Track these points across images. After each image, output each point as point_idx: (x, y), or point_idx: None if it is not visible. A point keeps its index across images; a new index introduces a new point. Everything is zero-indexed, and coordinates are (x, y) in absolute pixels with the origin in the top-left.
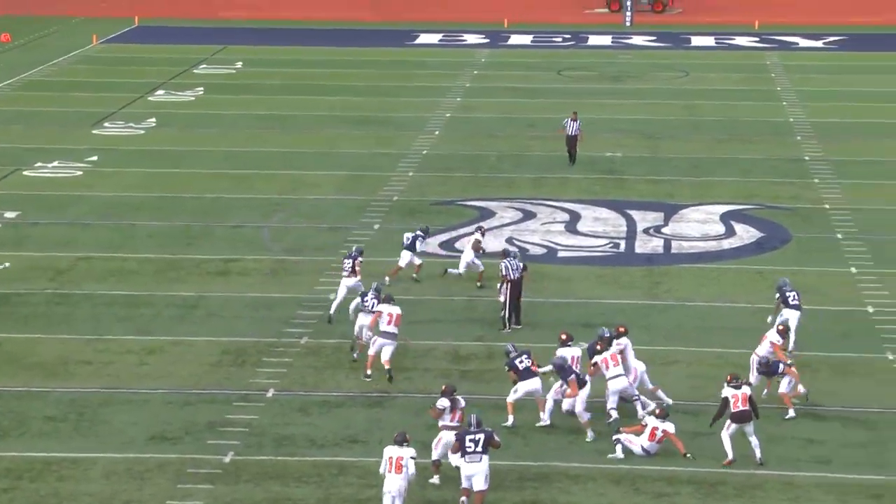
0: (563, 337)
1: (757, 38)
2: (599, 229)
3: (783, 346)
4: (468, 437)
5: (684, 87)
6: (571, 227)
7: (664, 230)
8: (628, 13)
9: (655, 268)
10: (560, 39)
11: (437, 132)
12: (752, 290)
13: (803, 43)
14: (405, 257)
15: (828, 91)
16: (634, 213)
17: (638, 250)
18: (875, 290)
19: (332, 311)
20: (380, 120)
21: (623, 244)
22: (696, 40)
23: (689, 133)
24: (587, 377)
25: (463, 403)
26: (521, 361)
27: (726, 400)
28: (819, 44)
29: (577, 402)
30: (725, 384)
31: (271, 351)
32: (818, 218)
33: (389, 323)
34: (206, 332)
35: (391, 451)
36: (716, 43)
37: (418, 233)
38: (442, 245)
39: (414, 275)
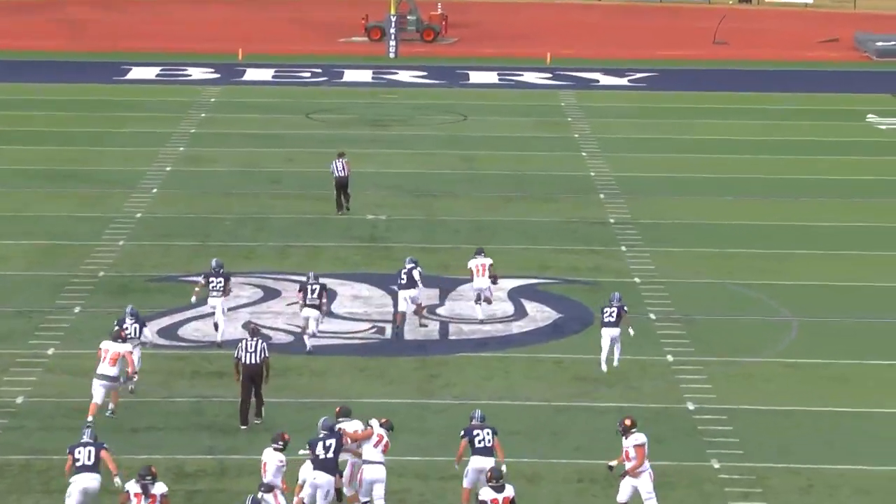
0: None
1: (549, 75)
2: (360, 310)
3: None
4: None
5: (462, 133)
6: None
7: (440, 311)
8: (392, 43)
9: (430, 357)
10: (309, 75)
11: (154, 189)
12: (550, 383)
13: (605, 80)
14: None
15: (635, 139)
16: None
17: (408, 336)
18: (696, 383)
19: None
20: (82, 175)
21: (389, 329)
22: (476, 76)
23: (469, 190)
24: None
25: (164, 490)
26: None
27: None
28: (623, 81)
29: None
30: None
31: None
32: (626, 294)
33: (105, 360)
34: None
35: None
36: (500, 80)
37: (409, 265)
38: (162, 332)
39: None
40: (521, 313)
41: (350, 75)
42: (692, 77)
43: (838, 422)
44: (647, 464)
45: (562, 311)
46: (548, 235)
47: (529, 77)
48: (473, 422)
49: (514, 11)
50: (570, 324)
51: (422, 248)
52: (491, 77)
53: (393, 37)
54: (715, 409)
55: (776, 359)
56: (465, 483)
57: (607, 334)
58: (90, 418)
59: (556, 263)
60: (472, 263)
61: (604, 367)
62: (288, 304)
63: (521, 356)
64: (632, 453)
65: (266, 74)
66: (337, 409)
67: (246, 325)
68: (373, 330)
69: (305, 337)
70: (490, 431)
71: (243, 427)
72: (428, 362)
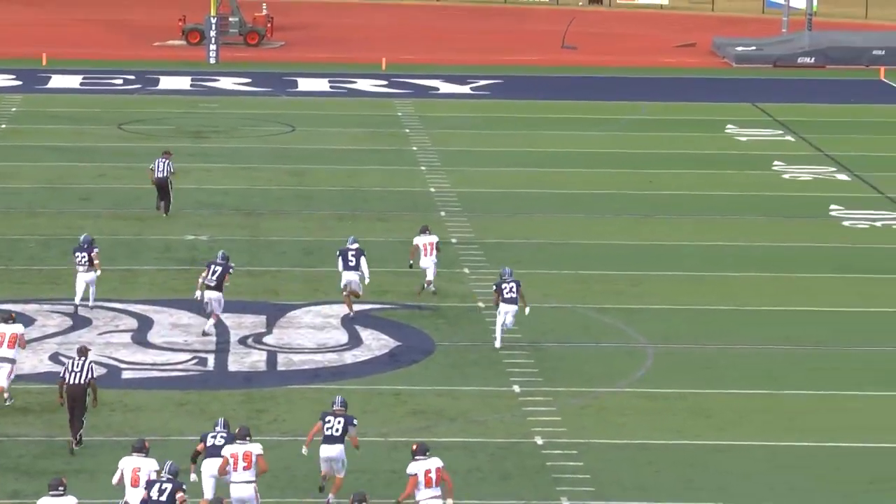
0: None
1: (385, 82)
2: (180, 340)
3: None
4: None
5: (291, 145)
6: (140, 337)
7: (267, 339)
8: (213, 47)
9: (256, 390)
10: (121, 82)
11: None
12: (387, 417)
13: (445, 88)
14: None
15: (478, 152)
16: (227, 318)
17: (232, 367)
18: (545, 415)
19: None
20: None
21: (212, 359)
22: (305, 83)
23: (299, 208)
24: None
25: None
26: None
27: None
28: (465, 89)
29: None
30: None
31: None
32: (470, 320)
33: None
34: None
35: (129, 462)
36: (331, 87)
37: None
38: None
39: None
40: (355, 342)
41: (167, 82)
42: (539, 85)
43: (698, 456)
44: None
45: (400, 340)
46: (384, 257)
47: (363, 84)
48: (335, 407)
49: (347, 13)
50: (408, 353)
51: (247, 271)
52: (321, 84)
53: (213, 40)
54: (565, 444)
55: (631, 389)
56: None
57: (504, 311)
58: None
59: (393, 288)
60: (419, 241)
61: (498, 344)
62: (100, 334)
63: (356, 388)
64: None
65: (73, 81)
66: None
67: (54, 357)
68: (193, 361)
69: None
70: (343, 420)
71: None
72: (254, 396)
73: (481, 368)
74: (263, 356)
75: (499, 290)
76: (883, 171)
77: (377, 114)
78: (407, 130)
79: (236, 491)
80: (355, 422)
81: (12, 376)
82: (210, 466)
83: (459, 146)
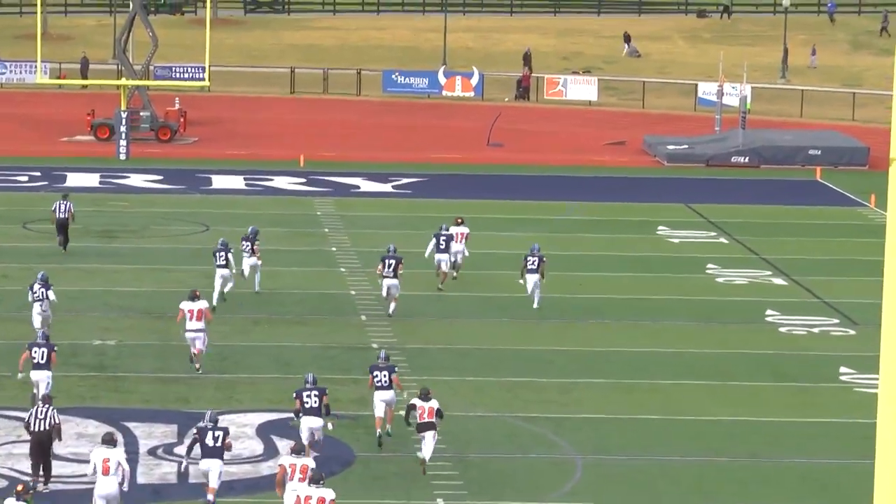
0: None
1: (303, 180)
2: (85, 450)
3: None
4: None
5: (205, 245)
6: None
7: (178, 450)
8: (122, 142)
9: None
10: (26, 179)
11: None
12: None
13: (366, 186)
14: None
15: (400, 253)
16: (136, 427)
17: (141, 479)
18: None
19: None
20: None
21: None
22: (220, 181)
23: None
24: None
25: None
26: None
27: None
28: (387, 187)
29: None
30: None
31: None
32: (393, 429)
33: None
34: None
35: (100, 454)
36: (247, 185)
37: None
38: None
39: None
40: (271, 452)
41: (74, 179)
42: (464, 183)
43: None
44: None
45: (318, 450)
46: (302, 362)
47: (280, 182)
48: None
49: (263, 108)
50: (327, 464)
51: (157, 377)
52: (237, 182)
53: (123, 135)
54: None
55: (560, 502)
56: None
57: (531, 280)
58: None
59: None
60: (453, 230)
61: (535, 305)
62: (1, 445)
63: (272, 502)
64: None
65: None
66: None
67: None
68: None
69: None
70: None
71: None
72: None
73: (404, 480)
74: (173, 468)
75: (525, 261)
76: (820, 275)
77: (295, 213)
78: (326, 230)
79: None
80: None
81: (206, 343)
82: None
83: (381, 247)
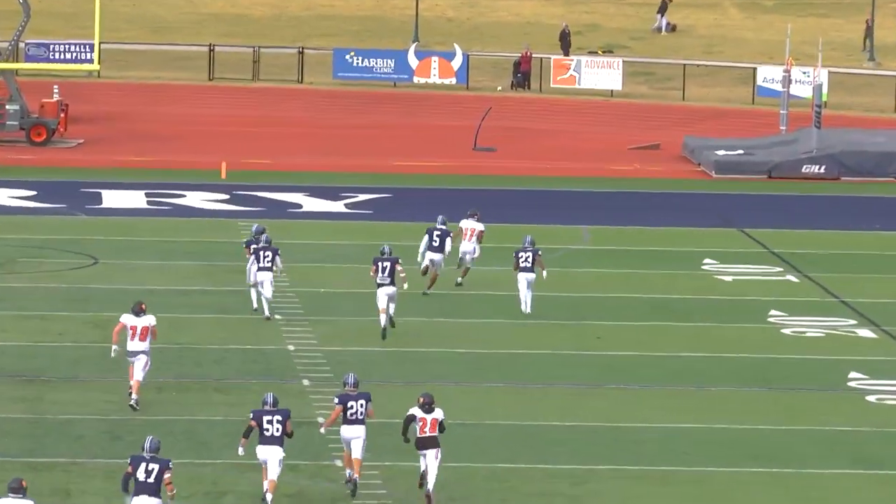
0: None
1: (225, 196)
2: None
3: None
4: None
5: (93, 285)
6: None
7: None
8: None
9: None
10: None
11: None
12: None
13: (310, 205)
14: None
15: (357, 295)
16: None
17: None
18: None
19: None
20: None
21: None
22: (113, 198)
23: (103, 373)
24: None
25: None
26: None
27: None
28: (338, 206)
29: None
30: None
31: None
32: None
33: None
34: None
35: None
36: (149, 203)
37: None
38: None
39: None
40: None
41: None
42: (442, 200)
43: None
44: None
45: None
46: (222, 443)
47: (194, 199)
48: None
49: (172, 99)
50: None
51: (27, 463)
52: (135, 199)
53: None
54: None
55: None
56: None
57: (523, 278)
58: None
59: (233, 488)
60: (463, 224)
61: (524, 308)
62: None
63: None
64: None
65: None
66: None
67: None
68: None
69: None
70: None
71: None
72: None
73: None
74: None
75: (516, 257)
76: None
77: (214, 240)
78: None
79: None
80: None
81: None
82: None
83: (329, 286)
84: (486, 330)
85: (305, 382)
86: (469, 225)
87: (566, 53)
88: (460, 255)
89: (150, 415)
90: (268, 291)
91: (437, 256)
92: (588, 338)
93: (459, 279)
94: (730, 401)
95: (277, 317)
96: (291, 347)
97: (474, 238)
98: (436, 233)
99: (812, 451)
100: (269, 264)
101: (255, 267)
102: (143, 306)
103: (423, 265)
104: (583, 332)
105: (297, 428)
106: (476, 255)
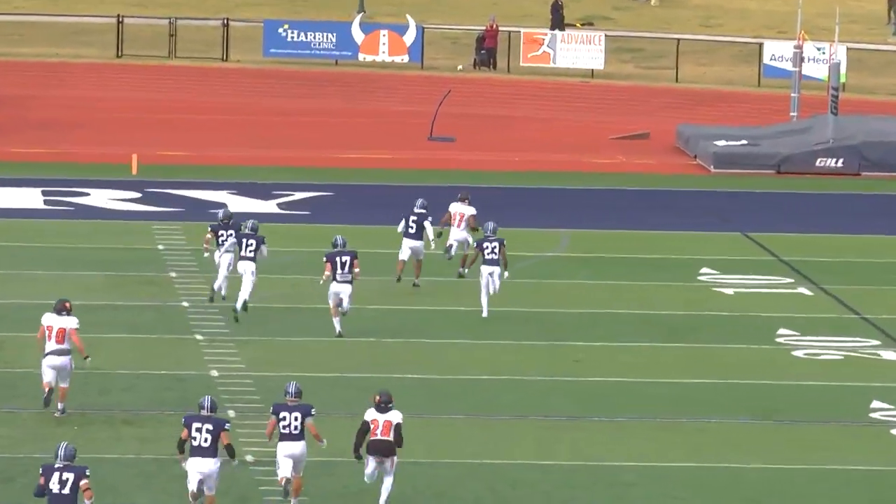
0: None
1: (137, 194)
2: None
3: None
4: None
5: None
6: None
7: None
8: None
9: None
10: None
11: None
12: None
13: (237, 204)
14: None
15: (291, 311)
16: None
17: None
18: None
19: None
20: None
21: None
22: (3, 196)
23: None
24: None
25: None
26: None
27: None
28: (270, 206)
29: None
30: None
31: None
32: None
33: None
34: None
35: None
36: (46, 203)
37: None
38: None
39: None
40: None
41: None
42: (393, 199)
43: None
44: None
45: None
46: (133, 486)
47: (99, 198)
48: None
49: (73, 81)
50: None
51: None
52: (30, 198)
53: None
54: None
55: None
56: None
57: (486, 272)
58: None
59: None
60: (452, 209)
61: (483, 312)
62: None
63: None
64: None
65: None
66: None
67: None
68: None
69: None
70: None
71: None
72: None
73: None
74: None
75: (480, 249)
76: None
77: (123, 247)
78: (173, 274)
79: None
80: None
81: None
82: None
83: (259, 301)
84: (446, 351)
85: (231, 413)
86: (458, 209)
87: (560, 29)
88: (448, 243)
89: (48, 452)
90: (247, 284)
91: (415, 244)
92: (565, 361)
93: (464, 271)
94: (731, 435)
95: (198, 337)
96: (215, 373)
97: (464, 224)
98: (412, 217)
99: (827, 494)
100: (253, 254)
101: (227, 256)
102: (68, 305)
103: (400, 258)
104: (558, 355)
105: (220, 466)
106: (471, 242)
